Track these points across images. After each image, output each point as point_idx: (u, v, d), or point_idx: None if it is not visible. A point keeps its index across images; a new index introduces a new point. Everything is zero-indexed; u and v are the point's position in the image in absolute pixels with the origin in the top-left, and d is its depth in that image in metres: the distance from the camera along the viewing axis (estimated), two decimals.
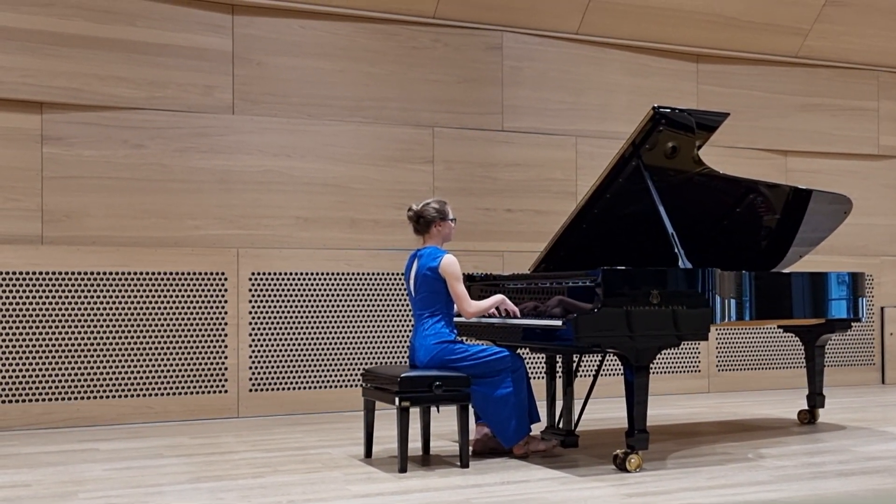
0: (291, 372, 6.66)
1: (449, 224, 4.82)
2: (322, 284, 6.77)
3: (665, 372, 7.80)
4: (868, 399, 7.40)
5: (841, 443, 5.29)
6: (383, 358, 6.94)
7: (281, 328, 6.64)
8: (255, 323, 6.56)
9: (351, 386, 6.77)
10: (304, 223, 6.75)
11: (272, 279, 6.62)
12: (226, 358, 6.48)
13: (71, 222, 6.16)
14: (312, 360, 6.72)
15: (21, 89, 6.04)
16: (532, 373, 7.03)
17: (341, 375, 6.80)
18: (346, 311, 6.83)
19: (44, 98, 6.11)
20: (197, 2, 6.50)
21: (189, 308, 6.39)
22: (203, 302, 6.43)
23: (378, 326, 6.92)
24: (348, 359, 6.82)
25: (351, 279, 6.85)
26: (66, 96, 6.16)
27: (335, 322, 6.79)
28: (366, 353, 6.87)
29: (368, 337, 6.89)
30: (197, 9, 6.50)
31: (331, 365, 6.77)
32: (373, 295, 6.91)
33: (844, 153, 8.54)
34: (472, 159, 7.25)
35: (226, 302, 6.49)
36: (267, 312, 6.60)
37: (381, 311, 6.93)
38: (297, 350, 6.68)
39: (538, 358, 7.21)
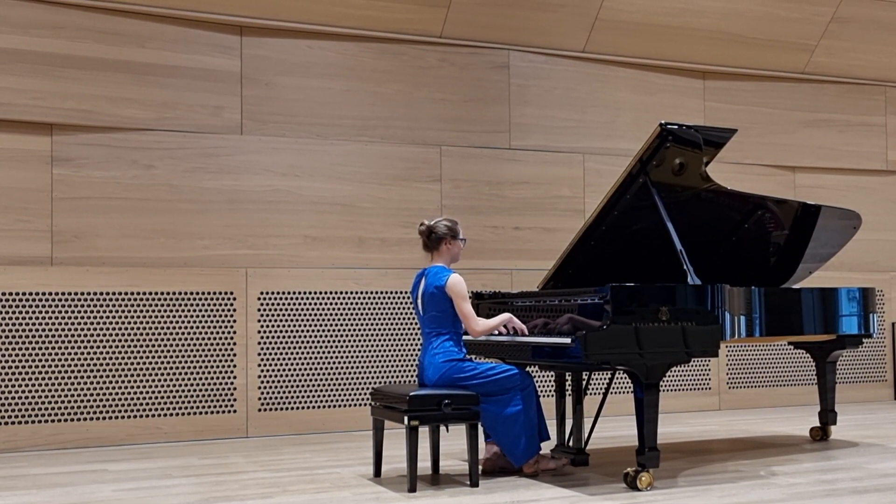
0: (300, 391, 6.65)
1: (458, 244, 4.82)
2: (330, 303, 6.77)
3: (675, 389, 7.76)
4: (880, 416, 7.35)
5: (854, 460, 5.25)
6: (392, 377, 6.92)
7: (289, 347, 6.64)
8: (264, 342, 6.56)
9: (360, 405, 6.76)
10: (312, 242, 6.77)
11: (280, 298, 6.63)
12: (234, 378, 6.47)
13: (80, 243, 6.19)
14: (321, 380, 6.71)
15: (31, 111, 6.09)
16: (541, 391, 7.02)
17: (350, 394, 6.79)
18: (354, 330, 6.82)
19: (54, 120, 6.15)
20: (205, 24, 6.55)
21: (198, 328, 6.40)
22: (212, 322, 6.43)
23: (386, 345, 6.92)
24: (357, 378, 6.81)
25: (359, 298, 6.85)
26: (76, 118, 6.20)
27: (344, 341, 6.79)
28: (374, 372, 6.87)
29: (377, 356, 6.88)
30: (205, 30, 6.55)
31: (339, 384, 6.76)
32: (381, 313, 6.91)
33: (852, 168, 8.53)
34: (479, 177, 7.26)
35: (234, 321, 6.49)
36: (275, 332, 6.60)
37: (389, 329, 6.93)
38: (305, 369, 6.67)
39: (547, 376, 7.18)
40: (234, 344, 6.48)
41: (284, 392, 6.60)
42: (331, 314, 6.76)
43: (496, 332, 4.85)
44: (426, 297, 4.71)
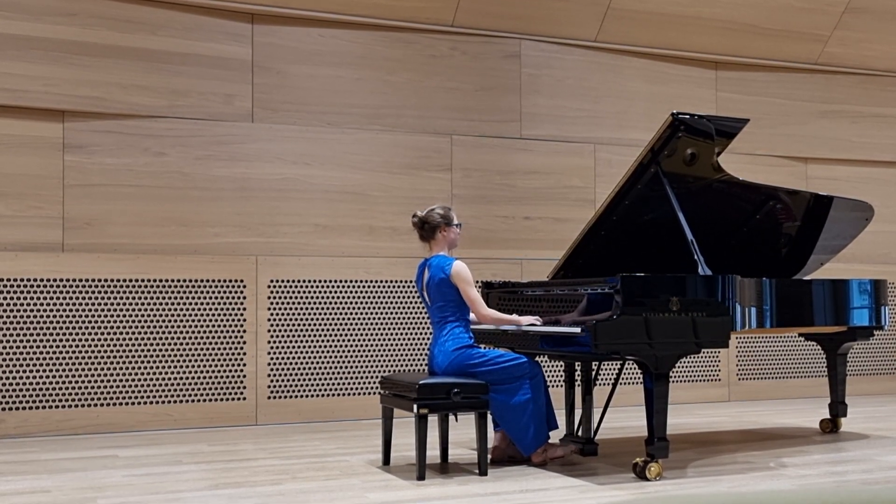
0: (310, 379, 6.67)
1: (454, 229, 4.80)
2: (340, 292, 6.78)
3: (685, 381, 7.75)
4: (891, 408, 7.32)
5: (864, 452, 5.23)
6: (401, 365, 6.94)
7: (299, 336, 6.65)
8: (274, 330, 6.58)
9: (369, 393, 6.78)
10: (322, 231, 6.77)
11: (291, 287, 6.64)
12: (244, 365, 6.50)
13: (92, 230, 6.21)
14: (331, 368, 6.73)
15: (43, 98, 6.10)
16: (550, 380, 7.02)
17: (359, 383, 6.80)
18: (364, 319, 6.83)
19: (66, 106, 6.16)
20: (217, 11, 6.55)
21: (208, 315, 6.42)
22: (222, 309, 6.45)
23: (396, 334, 6.92)
24: (366, 366, 6.83)
25: (369, 287, 6.86)
26: (88, 105, 6.21)
27: (353, 329, 6.80)
28: (384, 361, 6.88)
29: (386, 344, 6.89)
30: (217, 18, 6.55)
31: (349, 372, 6.78)
32: (391, 302, 6.91)
33: (865, 160, 8.48)
34: (490, 167, 7.25)
35: (244, 309, 6.51)
36: (285, 320, 6.61)
37: (399, 318, 6.93)
38: (315, 357, 6.69)
39: (557, 365, 7.18)
40: (244, 332, 6.50)
41: (294, 380, 6.62)
42: (341, 303, 6.77)
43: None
44: (432, 288, 4.71)
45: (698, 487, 4.25)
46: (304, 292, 6.68)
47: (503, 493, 4.12)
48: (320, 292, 6.73)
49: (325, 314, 6.73)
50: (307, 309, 6.68)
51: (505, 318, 4.74)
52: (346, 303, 6.79)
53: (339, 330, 6.76)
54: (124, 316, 6.22)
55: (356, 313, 6.81)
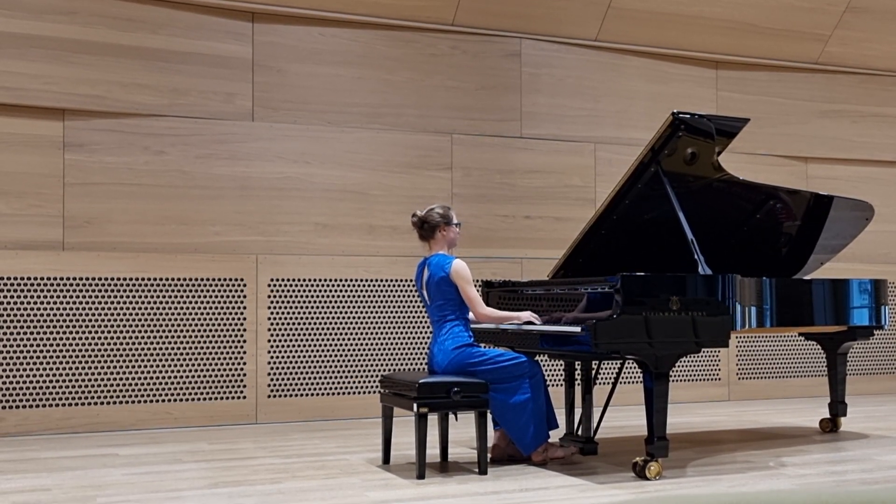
0: (310, 378, 6.67)
1: (454, 229, 4.81)
2: (340, 291, 6.78)
3: (684, 380, 7.75)
4: (891, 408, 7.32)
5: (864, 451, 5.23)
6: (401, 364, 6.94)
7: (299, 334, 6.65)
8: (274, 329, 6.58)
9: (369, 392, 6.78)
10: (322, 230, 6.77)
11: (291, 285, 6.64)
12: (244, 364, 6.50)
13: (92, 228, 6.21)
14: (331, 367, 6.73)
15: (43, 96, 6.10)
16: (550, 380, 7.02)
17: (359, 382, 6.80)
18: (364, 318, 6.83)
19: (66, 105, 6.16)
20: (218, 10, 6.54)
21: (208, 314, 6.42)
22: (222, 308, 6.45)
23: (396, 333, 6.92)
24: (366, 365, 6.83)
25: (369, 286, 6.86)
26: (89, 103, 6.21)
27: (353, 328, 6.80)
28: (384, 360, 6.88)
29: (386, 343, 6.89)
30: (218, 17, 6.55)
31: (349, 371, 6.78)
32: (391, 301, 6.91)
33: (865, 160, 8.48)
34: (490, 166, 7.25)
35: (245, 308, 6.51)
36: (285, 319, 6.61)
37: (399, 317, 6.93)
38: (315, 356, 6.69)
39: (557, 365, 7.18)
40: (245, 330, 6.50)
41: (294, 379, 6.62)
42: (341, 301, 6.77)
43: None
44: (431, 287, 4.71)
45: (698, 487, 4.25)
46: (305, 291, 6.68)
47: (503, 492, 4.12)
48: (320, 291, 6.73)
49: (325, 313, 6.73)
50: (307, 308, 6.68)
51: (503, 315, 4.75)
52: (346, 302, 6.79)
53: (339, 329, 6.76)
54: (124, 314, 6.22)
55: (356, 312, 6.81)
